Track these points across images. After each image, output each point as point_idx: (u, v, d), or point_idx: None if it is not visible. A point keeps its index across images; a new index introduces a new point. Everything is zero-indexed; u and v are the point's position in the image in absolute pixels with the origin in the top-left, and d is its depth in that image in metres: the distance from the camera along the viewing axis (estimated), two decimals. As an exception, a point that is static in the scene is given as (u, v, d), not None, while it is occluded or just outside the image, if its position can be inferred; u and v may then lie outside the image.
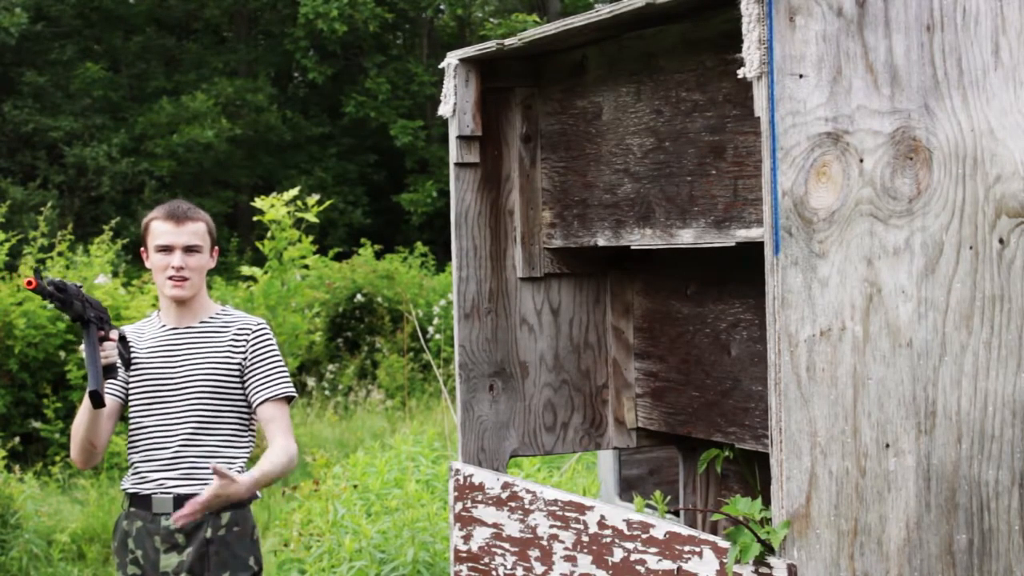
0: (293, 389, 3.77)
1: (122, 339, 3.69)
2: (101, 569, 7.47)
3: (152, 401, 3.73)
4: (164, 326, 3.80)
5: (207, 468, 3.67)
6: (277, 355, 3.79)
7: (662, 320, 3.20)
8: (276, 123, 23.45)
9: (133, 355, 3.76)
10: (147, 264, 3.80)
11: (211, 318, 3.80)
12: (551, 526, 2.73)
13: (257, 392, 3.72)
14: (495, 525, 2.92)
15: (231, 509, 3.69)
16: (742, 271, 2.91)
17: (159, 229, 3.74)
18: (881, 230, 2.23)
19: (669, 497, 3.69)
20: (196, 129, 21.82)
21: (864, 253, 2.22)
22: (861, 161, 2.21)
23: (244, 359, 3.74)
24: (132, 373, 3.76)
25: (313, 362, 13.76)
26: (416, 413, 11.39)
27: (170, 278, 3.71)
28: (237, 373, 3.74)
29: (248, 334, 3.77)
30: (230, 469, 3.64)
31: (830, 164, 2.20)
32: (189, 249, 3.72)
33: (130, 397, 3.77)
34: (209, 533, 3.66)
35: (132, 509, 3.73)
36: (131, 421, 3.78)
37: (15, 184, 20.89)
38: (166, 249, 3.72)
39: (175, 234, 3.71)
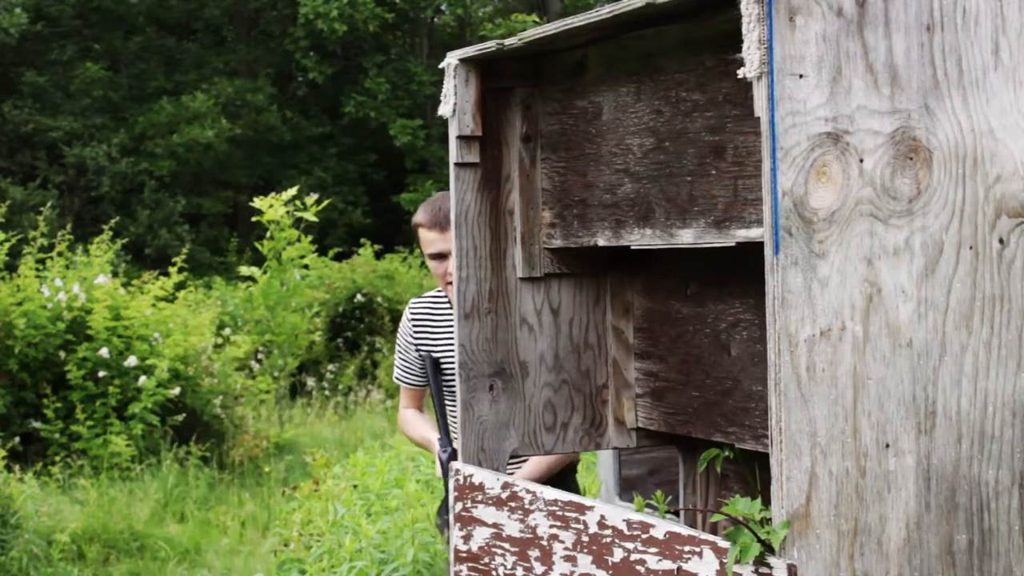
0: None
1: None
2: (101, 569, 7.46)
3: (453, 392, 3.84)
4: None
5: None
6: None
7: (662, 320, 3.19)
8: (276, 123, 23.46)
9: (436, 335, 3.89)
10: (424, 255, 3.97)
11: None
12: (551, 526, 2.72)
13: None
14: (495, 525, 2.92)
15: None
16: (742, 271, 2.91)
17: (427, 237, 3.81)
18: (881, 230, 2.22)
19: (670, 497, 3.68)
20: (196, 129, 21.83)
21: (864, 253, 2.21)
22: (861, 161, 2.21)
23: None
24: (443, 361, 3.85)
25: (313, 362, 13.76)
26: (416, 413, 11.36)
27: (448, 283, 3.79)
28: None
29: None
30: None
31: (830, 164, 2.20)
32: None
33: (444, 383, 3.88)
34: None
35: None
36: (448, 407, 3.91)
37: (15, 184, 20.90)
38: (438, 256, 3.80)
39: (443, 241, 3.78)
